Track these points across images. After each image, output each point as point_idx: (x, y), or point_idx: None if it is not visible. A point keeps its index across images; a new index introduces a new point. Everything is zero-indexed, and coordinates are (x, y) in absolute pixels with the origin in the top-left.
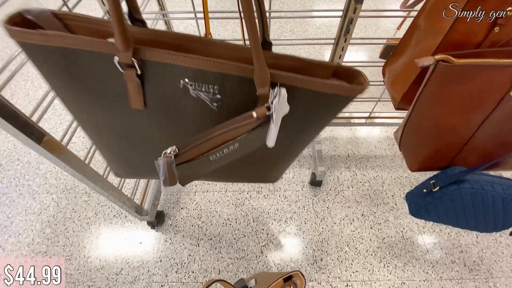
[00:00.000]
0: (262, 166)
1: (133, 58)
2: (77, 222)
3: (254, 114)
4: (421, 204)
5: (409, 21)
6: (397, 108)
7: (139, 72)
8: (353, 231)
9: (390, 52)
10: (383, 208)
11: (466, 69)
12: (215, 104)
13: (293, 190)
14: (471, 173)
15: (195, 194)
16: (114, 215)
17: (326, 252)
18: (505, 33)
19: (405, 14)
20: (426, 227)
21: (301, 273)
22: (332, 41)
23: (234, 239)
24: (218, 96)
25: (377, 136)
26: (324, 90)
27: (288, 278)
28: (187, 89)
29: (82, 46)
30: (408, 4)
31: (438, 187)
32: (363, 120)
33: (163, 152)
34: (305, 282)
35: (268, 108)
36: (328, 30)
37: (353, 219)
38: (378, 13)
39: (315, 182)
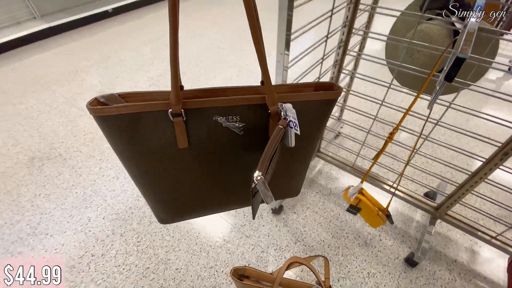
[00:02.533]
0: (284, 180)
1: (182, 109)
2: None
3: (281, 126)
4: None
5: None
6: None
7: (184, 118)
8: None
9: None
10: None
11: None
12: (241, 129)
13: (386, 255)
14: None
15: (307, 209)
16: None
17: None
18: None
19: None
20: None
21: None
22: (497, 143)
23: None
24: (241, 122)
25: (496, 259)
26: (311, 99)
27: None
28: (219, 123)
29: (146, 109)
30: None
31: None
32: (488, 238)
33: (254, 177)
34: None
35: (285, 118)
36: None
37: None
38: None
39: (410, 261)
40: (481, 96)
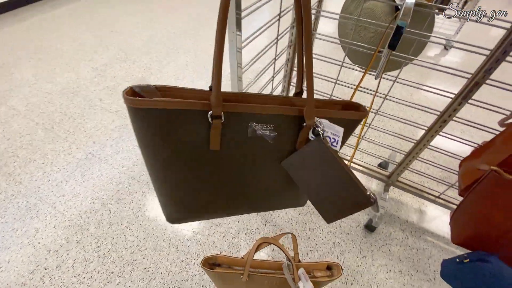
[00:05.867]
0: (293, 192)
1: (222, 111)
2: None
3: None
4: (451, 268)
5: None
6: (460, 194)
7: (223, 121)
8: (386, 279)
9: None
10: (421, 276)
11: (510, 183)
12: (272, 137)
13: (348, 224)
14: (492, 256)
15: None
16: None
17: (357, 281)
18: None
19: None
20: None
21: (341, 267)
22: (436, 112)
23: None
24: (274, 131)
25: (441, 216)
26: (340, 117)
27: (329, 268)
28: (253, 130)
29: (186, 106)
30: (506, 122)
31: (468, 259)
32: (432, 197)
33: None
34: (342, 274)
35: (321, 133)
36: (434, 103)
37: (390, 270)
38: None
39: (370, 227)
40: (423, 72)
